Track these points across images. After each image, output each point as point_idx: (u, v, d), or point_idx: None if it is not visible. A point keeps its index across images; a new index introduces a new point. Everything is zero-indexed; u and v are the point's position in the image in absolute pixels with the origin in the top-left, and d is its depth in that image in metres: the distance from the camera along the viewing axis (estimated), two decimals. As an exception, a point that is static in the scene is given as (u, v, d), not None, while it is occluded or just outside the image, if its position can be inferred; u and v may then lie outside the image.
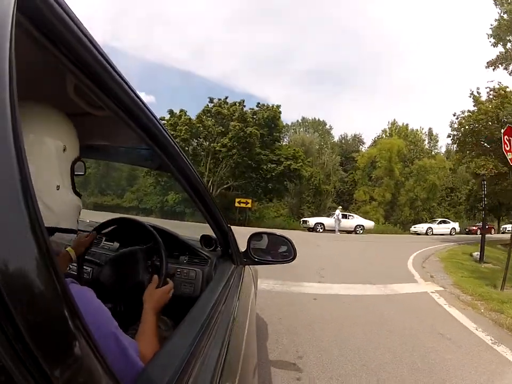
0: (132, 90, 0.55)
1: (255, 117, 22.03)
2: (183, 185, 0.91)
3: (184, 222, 17.14)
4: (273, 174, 21.86)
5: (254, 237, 1.46)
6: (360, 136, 32.52)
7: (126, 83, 0.53)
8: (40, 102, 0.58)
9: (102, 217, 1.54)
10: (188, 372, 0.51)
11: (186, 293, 1.33)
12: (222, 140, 20.98)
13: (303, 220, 18.37)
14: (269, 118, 22.11)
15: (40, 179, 0.56)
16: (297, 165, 22.17)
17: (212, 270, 1.37)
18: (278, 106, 22.63)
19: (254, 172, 22.14)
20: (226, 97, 22.44)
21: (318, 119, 32.59)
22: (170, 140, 0.73)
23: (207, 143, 21.94)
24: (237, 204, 19.33)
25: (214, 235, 1.34)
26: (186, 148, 20.79)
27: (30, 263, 0.25)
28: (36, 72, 0.54)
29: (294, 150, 23.19)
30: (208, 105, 22.42)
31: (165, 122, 20.28)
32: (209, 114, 22.00)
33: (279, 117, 22.91)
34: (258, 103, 23.43)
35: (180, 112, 21.33)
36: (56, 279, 0.26)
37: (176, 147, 0.76)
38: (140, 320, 0.81)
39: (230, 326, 0.83)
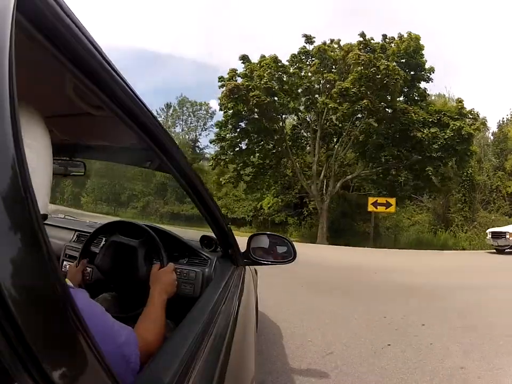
0: (131, 90, 0.55)
1: (384, 54, 12.66)
2: (182, 185, 0.91)
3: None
4: (435, 146, 11.82)
5: (254, 237, 1.46)
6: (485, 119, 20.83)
7: (126, 83, 0.53)
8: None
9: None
10: (188, 372, 0.51)
11: (186, 294, 1.33)
12: (340, 84, 12.14)
13: (492, 232, 10.33)
14: (407, 53, 12.71)
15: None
16: (472, 127, 12.02)
17: (212, 270, 1.37)
18: (418, 37, 12.99)
19: (400, 146, 12.38)
20: (337, 40, 13.54)
21: (444, 94, 20.51)
22: (170, 139, 0.73)
23: (313, 115, 13.74)
24: (370, 208, 12.26)
25: (214, 235, 1.34)
26: (277, 115, 13.20)
27: (30, 263, 0.25)
28: (36, 72, 0.54)
29: (459, 102, 12.72)
30: (305, 46, 13.48)
31: (236, 73, 13.69)
32: (308, 58, 13.46)
33: (422, 54, 13.06)
34: (385, 35, 13.45)
35: (260, 58, 13.37)
36: (56, 279, 0.26)
37: (175, 146, 0.76)
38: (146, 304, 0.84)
39: (230, 327, 0.83)
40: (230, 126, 14.47)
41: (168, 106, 27.17)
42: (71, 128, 0.95)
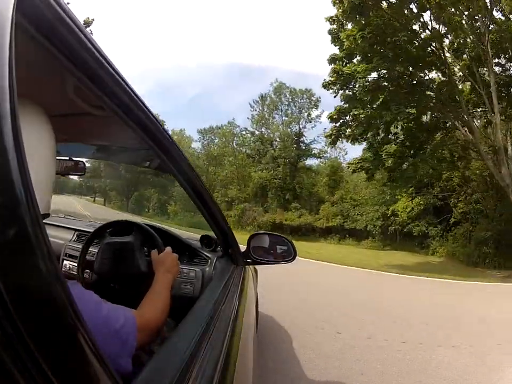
0: (132, 90, 0.55)
1: None
2: (183, 184, 0.91)
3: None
4: None
5: (255, 237, 1.46)
6: None
7: (126, 83, 0.53)
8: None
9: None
10: (188, 372, 0.51)
11: (186, 293, 1.33)
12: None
13: None
14: None
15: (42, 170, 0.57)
16: None
17: (212, 270, 1.37)
18: None
19: None
20: None
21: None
22: (170, 139, 0.73)
23: (468, 61, 8.46)
24: None
25: (214, 235, 1.34)
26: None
27: (30, 263, 0.25)
28: (36, 72, 0.54)
29: None
30: None
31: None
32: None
33: None
34: None
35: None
36: (56, 279, 0.26)
37: (175, 146, 0.76)
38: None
39: (230, 326, 0.83)
40: (357, 57, 8.13)
41: (263, 97, 22.28)
42: (71, 128, 0.95)
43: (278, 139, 21.33)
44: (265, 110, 22.27)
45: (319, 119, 21.30)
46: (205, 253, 1.45)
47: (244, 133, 22.79)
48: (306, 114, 21.42)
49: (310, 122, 21.33)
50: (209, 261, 1.41)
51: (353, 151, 42.01)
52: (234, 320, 0.89)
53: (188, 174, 0.88)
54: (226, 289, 1.02)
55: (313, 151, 21.22)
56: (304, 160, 20.93)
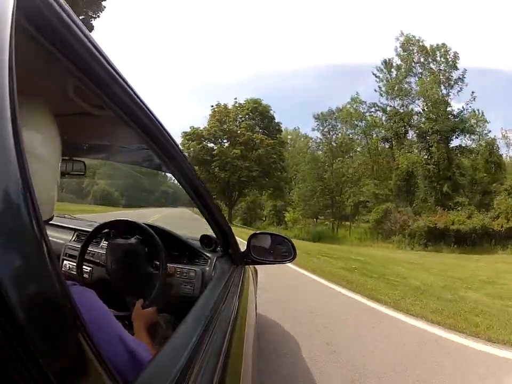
0: (132, 90, 0.55)
1: None
2: (182, 184, 0.91)
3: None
4: None
5: (254, 236, 1.46)
6: None
7: (126, 83, 0.53)
8: (34, 100, 0.57)
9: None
10: (188, 372, 0.51)
11: (186, 293, 1.33)
12: None
13: None
14: None
15: (46, 175, 0.57)
16: None
17: (212, 270, 1.37)
18: None
19: None
20: None
21: None
22: (170, 139, 0.73)
23: None
24: None
25: (214, 235, 1.34)
26: None
27: (30, 263, 0.25)
28: (36, 72, 0.54)
29: None
30: None
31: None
32: None
33: None
34: None
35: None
36: (56, 279, 0.26)
37: (176, 146, 0.76)
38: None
39: (230, 326, 0.83)
40: None
41: (387, 63, 17.36)
42: (71, 128, 0.95)
43: (421, 110, 15.64)
44: (395, 76, 16.49)
45: (463, 81, 15.29)
46: (205, 253, 1.45)
47: (372, 110, 17.36)
48: (444, 77, 15.86)
49: (452, 88, 15.77)
50: (209, 261, 1.41)
51: (494, 129, 28.85)
52: (234, 320, 0.89)
53: (188, 174, 0.88)
54: (226, 289, 1.02)
55: (467, 123, 15.03)
56: (456, 137, 15.46)
